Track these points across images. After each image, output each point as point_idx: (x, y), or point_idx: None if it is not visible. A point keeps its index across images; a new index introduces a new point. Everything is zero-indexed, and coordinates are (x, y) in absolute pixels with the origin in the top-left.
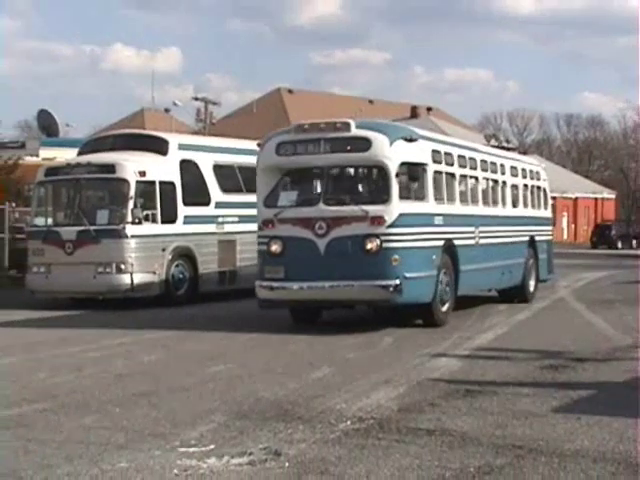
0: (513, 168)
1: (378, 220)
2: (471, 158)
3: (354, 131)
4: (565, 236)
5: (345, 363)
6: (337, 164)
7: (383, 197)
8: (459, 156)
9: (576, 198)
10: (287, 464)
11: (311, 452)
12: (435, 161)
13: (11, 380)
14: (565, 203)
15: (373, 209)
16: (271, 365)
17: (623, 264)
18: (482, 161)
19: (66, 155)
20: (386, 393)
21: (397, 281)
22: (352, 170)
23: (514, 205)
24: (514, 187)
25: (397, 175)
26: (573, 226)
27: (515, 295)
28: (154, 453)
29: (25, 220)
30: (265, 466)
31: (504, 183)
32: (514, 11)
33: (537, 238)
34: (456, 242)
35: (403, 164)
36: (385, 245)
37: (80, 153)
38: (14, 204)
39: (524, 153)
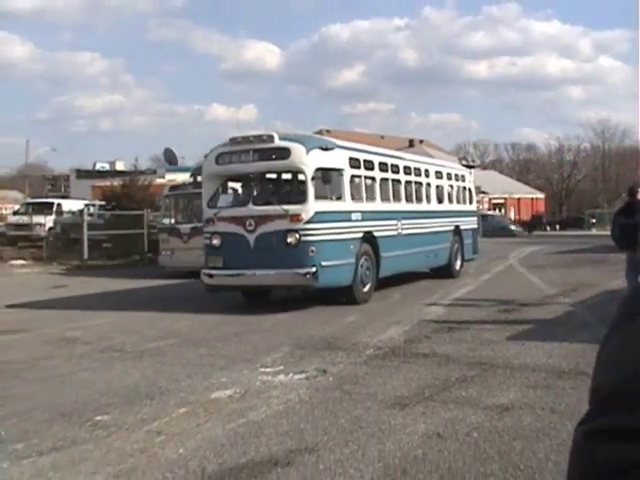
0: (438, 172)
1: (297, 217)
2: (394, 165)
3: (277, 142)
4: None
5: (368, 311)
6: (264, 171)
7: (301, 198)
8: (381, 163)
9: (519, 198)
10: (331, 378)
11: (347, 370)
12: (353, 166)
13: (148, 325)
14: (512, 202)
15: (292, 208)
16: (318, 314)
17: (550, 241)
18: (406, 167)
19: (182, 177)
20: (396, 330)
21: (313, 269)
22: (276, 175)
23: (439, 201)
24: (439, 187)
25: (313, 179)
26: (517, 217)
27: (443, 273)
28: (243, 372)
29: (157, 220)
30: (316, 380)
31: (428, 184)
32: (475, 75)
33: (462, 227)
34: (376, 233)
35: (319, 169)
36: (303, 239)
37: (191, 176)
38: (149, 210)
39: (484, 168)
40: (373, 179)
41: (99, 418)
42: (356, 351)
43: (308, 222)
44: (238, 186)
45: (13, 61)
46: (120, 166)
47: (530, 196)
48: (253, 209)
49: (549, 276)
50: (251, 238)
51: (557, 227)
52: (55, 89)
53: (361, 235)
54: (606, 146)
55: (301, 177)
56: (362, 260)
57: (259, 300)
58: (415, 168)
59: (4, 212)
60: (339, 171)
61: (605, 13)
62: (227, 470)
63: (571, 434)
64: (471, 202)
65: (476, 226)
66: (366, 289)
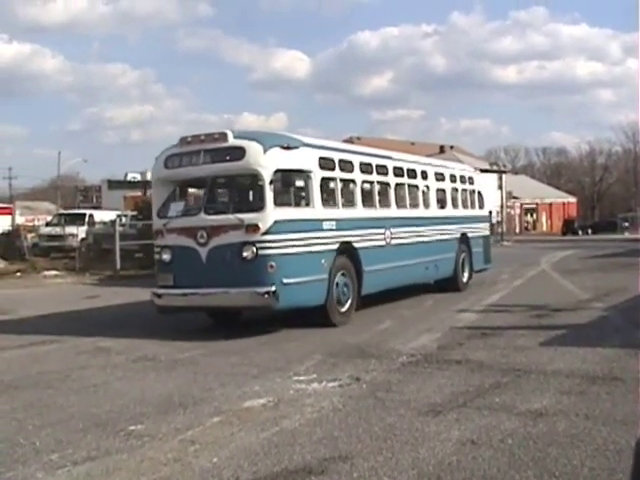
0: (439, 174)
1: (253, 228)
2: (380, 166)
3: (231, 141)
4: (545, 228)
5: (401, 318)
6: (217, 174)
7: (258, 205)
8: (363, 164)
9: (551, 203)
10: (364, 385)
11: (380, 377)
12: (324, 168)
13: (180, 335)
14: (544, 207)
15: (248, 217)
16: (351, 322)
17: (583, 245)
18: (396, 168)
19: None
20: (428, 337)
21: (272, 287)
22: (231, 179)
23: (441, 206)
24: (440, 191)
25: (272, 182)
26: (549, 221)
27: (447, 286)
28: (276, 380)
29: None
30: (350, 387)
31: (427, 187)
32: (504, 80)
33: (470, 234)
34: (356, 244)
35: (279, 171)
36: (260, 252)
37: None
38: None
39: (515, 173)
40: (353, 182)
41: (133, 428)
42: (389, 358)
43: (266, 233)
44: (191, 192)
45: (45, 73)
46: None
47: (562, 200)
48: (205, 219)
49: (582, 281)
50: (203, 252)
51: (589, 231)
52: (86, 100)
53: (336, 247)
54: (637, 149)
55: (256, 181)
56: (338, 276)
57: (228, 322)
58: (409, 170)
59: (37, 223)
60: (306, 173)
61: (633, 15)
62: (261, 479)
63: (606, 440)
64: (481, 207)
65: (488, 233)
66: (344, 308)
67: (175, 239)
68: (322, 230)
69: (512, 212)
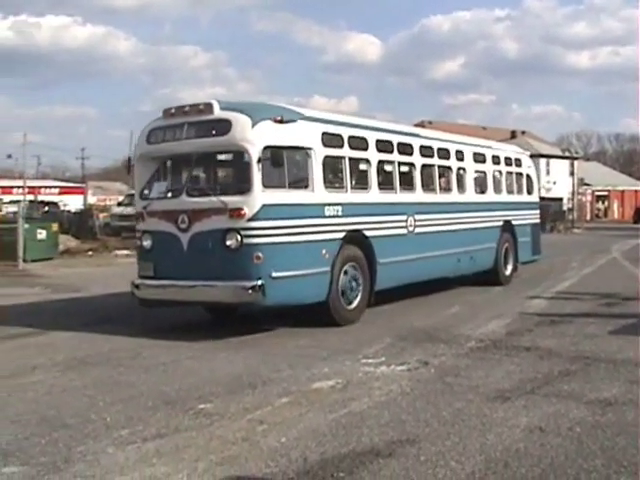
0: (478, 155)
1: (237, 213)
2: (403, 144)
3: (217, 113)
4: (616, 216)
5: (470, 303)
6: (201, 150)
7: (244, 186)
8: (380, 141)
9: (623, 190)
10: (433, 370)
11: (449, 362)
12: (329, 145)
13: (250, 314)
14: (616, 194)
15: (232, 200)
16: (420, 305)
17: None
18: (424, 147)
19: None
20: (497, 323)
21: (259, 282)
22: (216, 156)
23: (481, 191)
24: (480, 173)
25: (259, 160)
26: (621, 209)
27: (487, 279)
28: (346, 363)
29: None
30: (418, 371)
31: (462, 169)
32: (576, 65)
33: (515, 222)
34: (369, 232)
35: (269, 148)
36: (246, 241)
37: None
38: None
39: (587, 160)
40: (366, 162)
41: (202, 406)
42: (458, 343)
43: (253, 219)
44: (173, 171)
45: (119, 55)
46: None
47: (634, 188)
48: (186, 202)
49: None
50: (184, 239)
51: None
52: (158, 82)
53: (342, 235)
54: None
55: (243, 158)
56: (345, 268)
57: (225, 316)
58: (440, 149)
59: (108, 203)
60: (304, 151)
61: None
62: (328, 460)
63: None
64: (530, 192)
65: (537, 221)
66: (352, 306)
67: (156, 224)
68: (324, 216)
69: (583, 199)
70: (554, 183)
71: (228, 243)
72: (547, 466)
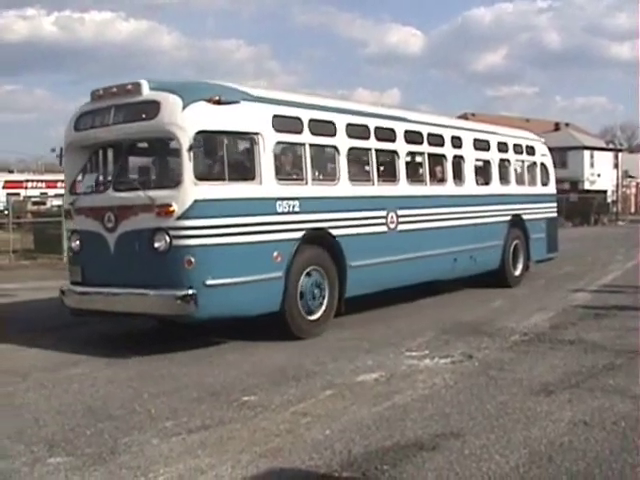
0: (480, 141)
1: (165, 210)
2: (383, 128)
3: (146, 94)
4: None
5: (513, 297)
6: (129, 137)
7: (174, 179)
8: (352, 125)
9: None
10: (477, 363)
11: (492, 355)
12: (283, 130)
13: None
14: None
15: (161, 195)
16: (463, 299)
17: None
18: (410, 133)
19: None
20: (541, 316)
21: (189, 290)
22: (147, 144)
23: (484, 182)
24: (484, 162)
25: (191, 148)
26: None
27: (492, 280)
28: (389, 355)
29: None
30: (462, 364)
31: (460, 157)
32: (620, 56)
33: (527, 217)
34: (335, 231)
35: (203, 133)
36: (175, 243)
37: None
38: None
39: (631, 152)
40: (333, 149)
41: (246, 398)
42: (501, 337)
43: (183, 216)
44: (104, 162)
45: (162, 49)
46: None
47: None
48: (113, 197)
49: None
50: (111, 240)
51: None
52: (202, 75)
53: (300, 235)
54: None
55: (172, 146)
56: (307, 272)
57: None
58: (432, 135)
59: None
60: (250, 136)
61: None
62: (373, 452)
63: None
64: (545, 183)
65: (553, 215)
66: (315, 316)
67: (83, 222)
68: (275, 213)
69: (628, 191)
70: (598, 175)
71: (156, 245)
72: (592, 460)
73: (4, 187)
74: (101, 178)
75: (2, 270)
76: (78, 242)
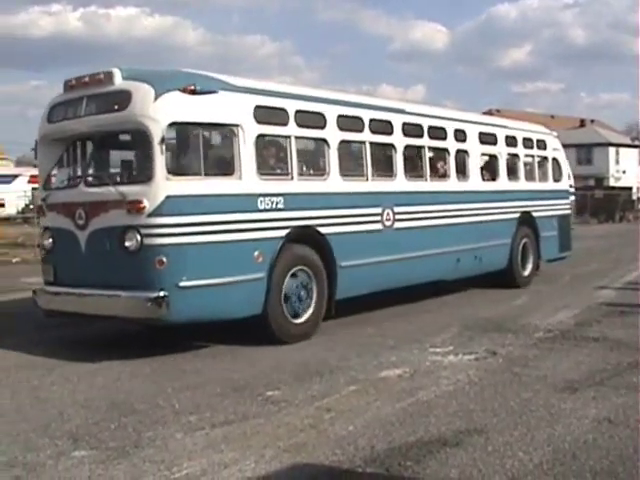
0: (486, 135)
1: (136, 206)
2: (379, 120)
3: (118, 83)
4: None
5: (537, 294)
6: (102, 129)
7: (145, 173)
8: (343, 117)
9: None
10: (500, 360)
11: (516, 352)
12: (266, 122)
13: None
14: None
15: (132, 191)
16: (486, 295)
17: None
18: (409, 125)
19: None
20: (566, 313)
21: (161, 292)
22: (119, 137)
23: (491, 178)
24: (490, 156)
25: (163, 141)
26: None
27: (500, 280)
28: (413, 352)
29: None
30: (486, 361)
31: (464, 152)
32: None
33: (537, 214)
34: (324, 229)
35: (176, 125)
36: (146, 241)
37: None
38: None
39: None
40: (324, 143)
41: (270, 393)
42: (525, 333)
43: (154, 213)
44: (78, 155)
45: (187, 45)
46: None
47: None
48: (84, 192)
49: None
50: (82, 238)
51: None
52: (226, 71)
53: (284, 233)
54: None
55: (143, 138)
56: (292, 273)
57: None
58: (432, 128)
59: None
60: (229, 128)
61: None
62: (396, 448)
63: None
64: (557, 179)
65: (566, 212)
66: (302, 319)
67: (54, 219)
68: (256, 210)
69: None
70: (623, 172)
71: (127, 244)
72: (616, 458)
73: (29, 182)
74: (73, 173)
75: (27, 264)
76: (50, 240)
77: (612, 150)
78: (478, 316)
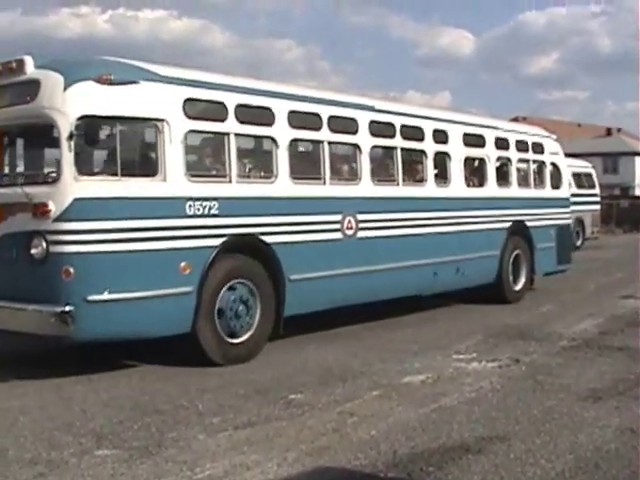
0: (473, 137)
1: (42, 209)
2: (338, 117)
3: (30, 72)
4: None
5: (561, 303)
6: (12, 123)
7: (52, 173)
8: (295, 113)
9: None
10: (524, 367)
11: (540, 360)
12: (197, 117)
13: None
14: None
15: (38, 192)
16: (512, 304)
17: None
18: (378, 124)
19: None
20: (590, 322)
21: (67, 307)
22: (31, 132)
23: (478, 183)
24: (476, 161)
25: (72, 136)
26: None
27: (487, 295)
28: (437, 358)
29: None
30: (510, 368)
31: (445, 155)
32: None
33: (531, 224)
34: (270, 239)
35: (87, 118)
36: (52, 249)
37: None
38: None
39: None
40: (272, 141)
41: (293, 396)
42: (549, 341)
43: (61, 218)
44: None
45: (215, 48)
46: None
47: None
48: None
49: None
50: None
51: None
52: (254, 75)
53: (219, 242)
54: None
55: (51, 133)
56: (231, 285)
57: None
58: (406, 127)
59: None
60: (152, 123)
61: None
62: (418, 454)
63: None
64: (556, 185)
65: (566, 222)
66: (241, 338)
67: None
68: (183, 216)
69: None
70: None
71: (32, 252)
72: (638, 468)
73: None
74: None
75: None
76: None
77: (638, 159)
78: (502, 323)
